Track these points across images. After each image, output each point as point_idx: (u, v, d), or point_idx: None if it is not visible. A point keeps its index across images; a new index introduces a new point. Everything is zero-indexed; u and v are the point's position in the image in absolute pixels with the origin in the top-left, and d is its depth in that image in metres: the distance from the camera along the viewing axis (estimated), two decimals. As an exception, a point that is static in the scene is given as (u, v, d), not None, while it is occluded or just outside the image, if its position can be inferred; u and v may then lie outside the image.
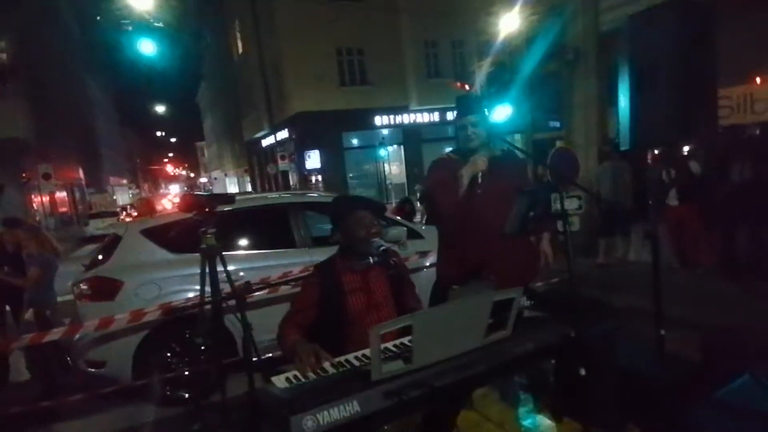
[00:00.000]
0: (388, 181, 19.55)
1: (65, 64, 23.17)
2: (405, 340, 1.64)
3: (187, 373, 3.44)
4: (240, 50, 23.68)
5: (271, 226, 4.13)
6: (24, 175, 14.69)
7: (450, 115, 19.34)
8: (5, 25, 14.43)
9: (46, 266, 3.88)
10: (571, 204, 5.28)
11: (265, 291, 3.21)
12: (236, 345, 3.46)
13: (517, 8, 10.38)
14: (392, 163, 19.94)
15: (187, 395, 3.42)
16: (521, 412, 2.49)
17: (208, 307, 2.07)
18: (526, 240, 2.38)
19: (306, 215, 4.26)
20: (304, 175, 18.24)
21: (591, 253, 6.06)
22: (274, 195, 5.01)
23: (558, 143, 6.74)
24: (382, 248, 1.75)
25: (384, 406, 1.28)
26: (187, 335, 3.53)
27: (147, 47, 9.93)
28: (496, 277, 2.23)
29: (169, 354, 3.52)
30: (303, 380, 1.48)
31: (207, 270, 2.03)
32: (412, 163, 19.52)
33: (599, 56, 5.87)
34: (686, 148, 5.28)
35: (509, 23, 10.99)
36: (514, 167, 2.36)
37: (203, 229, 2.04)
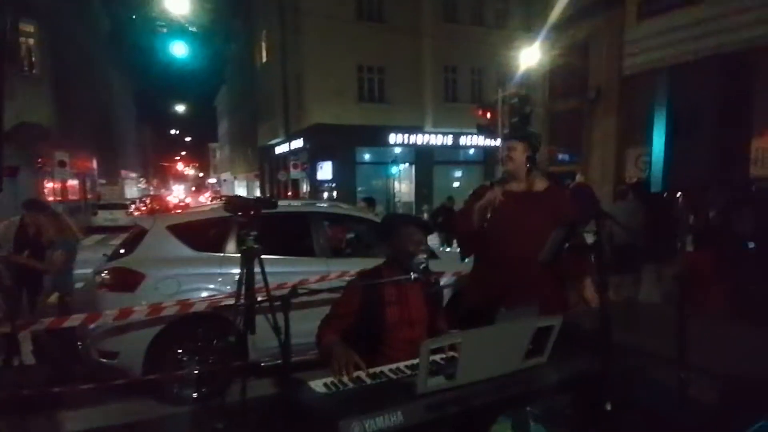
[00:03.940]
0: (396, 199, 19.67)
1: (90, 55, 23.73)
2: (438, 357, 1.69)
3: (197, 371, 3.46)
4: (264, 59, 24.22)
5: (292, 234, 4.19)
6: (39, 160, 14.87)
7: (464, 139, 19.66)
8: (34, 9, 14.81)
9: (70, 251, 3.93)
10: (587, 239, 5.32)
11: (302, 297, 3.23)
12: (248, 349, 3.49)
13: (538, 43, 10.65)
14: (402, 181, 20.10)
15: (195, 394, 3.42)
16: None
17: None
18: (552, 273, 2.39)
19: (327, 226, 4.34)
20: (315, 185, 18.40)
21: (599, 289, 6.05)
22: (296, 203, 5.09)
23: (578, 177, 6.81)
24: (423, 266, 1.81)
25: (426, 419, 1.32)
26: (200, 333, 3.57)
27: (179, 49, 10.24)
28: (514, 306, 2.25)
29: (180, 351, 3.54)
30: (341, 387, 1.52)
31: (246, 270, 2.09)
32: (421, 183, 19.69)
33: (620, 97, 6.01)
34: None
35: (530, 57, 11.26)
36: (551, 200, 2.33)
37: (245, 230, 2.11)
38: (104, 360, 3.47)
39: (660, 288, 5.79)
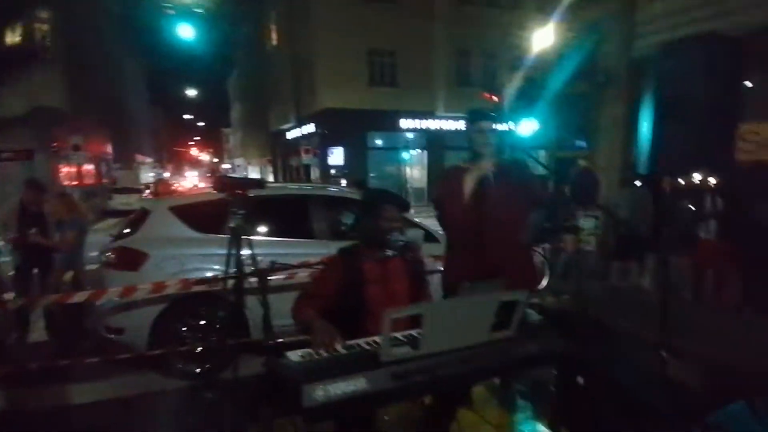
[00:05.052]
0: (408, 185, 19.65)
1: (103, 39, 23.87)
2: (414, 332, 1.74)
3: (200, 348, 3.58)
4: (274, 42, 24.12)
5: (292, 216, 4.26)
6: (55, 144, 15.19)
7: (475, 125, 19.41)
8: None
9: (81, 230, 4.07)
10: (587, 223, 5.26)
11: (283, 276, 3.31)
12: (248, 327, 3.60)
13: (551, 24, 10.36)
14: (414, 167, 20.03)
15: (198, 370, 3.55)
16: (519, 418, 2.55)
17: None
18: (529, 250, 2.41)
19: (328, 208, 4.39)
20: (326, 171, 18.46)
21: (605, 275, 6.04)
22: (294, 186, 5.15)
23: (580, 162, 6.72)
24: (401, 243, 1.85)
25: (390, 386, 1.38)
26: (202, 311, 3.69)
27: (186, 32, 10.25)
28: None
29: (184, 328, 3.66)
30: (315, 356, 1.59)
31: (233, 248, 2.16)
32: (433, 168, 19.57)
33: (629, 81, 5.84)
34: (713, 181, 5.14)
35: (543, 39, 10.97)
36: (521, 175, 2.34)
37: (234, 209, 2.18)
38: (111, 336, 3.62)
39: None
